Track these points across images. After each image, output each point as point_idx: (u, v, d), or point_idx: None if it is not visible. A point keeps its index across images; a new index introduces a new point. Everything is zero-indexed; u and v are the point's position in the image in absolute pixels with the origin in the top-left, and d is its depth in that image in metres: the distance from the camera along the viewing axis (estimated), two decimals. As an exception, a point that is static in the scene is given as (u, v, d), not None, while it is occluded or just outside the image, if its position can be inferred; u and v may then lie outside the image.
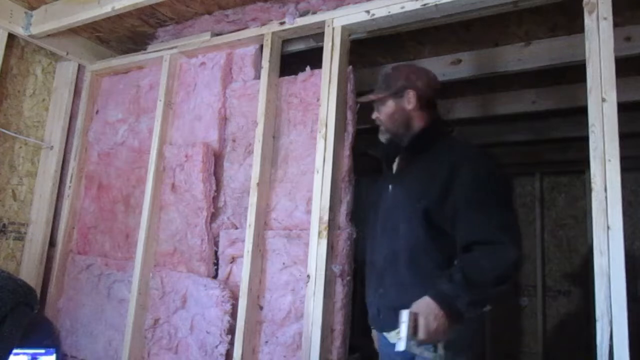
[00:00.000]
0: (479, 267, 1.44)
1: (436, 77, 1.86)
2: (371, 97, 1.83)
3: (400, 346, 1.35)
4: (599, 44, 1.65)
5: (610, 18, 1.64)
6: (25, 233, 2.89)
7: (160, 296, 2.43)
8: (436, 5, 1.98)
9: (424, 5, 1.99)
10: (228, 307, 2.21)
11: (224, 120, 2.50)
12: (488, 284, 1.44)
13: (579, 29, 1.76)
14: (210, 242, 2.38)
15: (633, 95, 2.95)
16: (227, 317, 2.20)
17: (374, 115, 1.84)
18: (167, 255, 2.49)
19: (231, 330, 2.18)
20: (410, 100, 1.74)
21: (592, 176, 1.58)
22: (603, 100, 1.60)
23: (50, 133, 3.00)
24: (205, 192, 2.38)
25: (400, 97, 1.76)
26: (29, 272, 2.80)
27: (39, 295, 2.76)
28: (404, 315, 1.37)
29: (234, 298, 2.22)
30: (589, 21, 1.68)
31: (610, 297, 1.47)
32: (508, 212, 1.54)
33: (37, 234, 2.88)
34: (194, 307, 2.32)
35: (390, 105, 1.79)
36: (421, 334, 1.36)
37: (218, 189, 2.42)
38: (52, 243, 2.91)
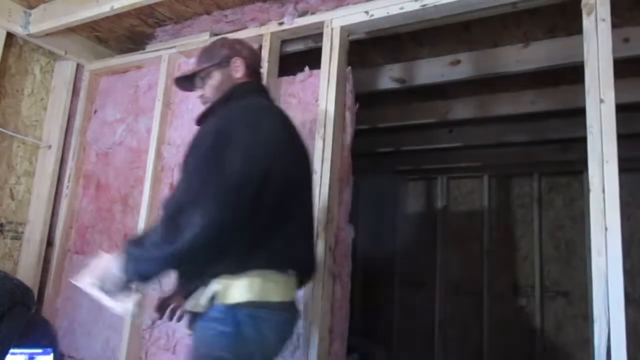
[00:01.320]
0: (153, 240, 1.26)
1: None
2: (195, 68, 1.65)
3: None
4: (597, 45, 1.65)
5: (609, 19, 1.65)
6: (22, 232, 2.89)
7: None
8: (435, 6, 1.98)
9: (423, 5, 2.00)
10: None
11: (222, 120, 2.50)
12: (157, 260, 1.26)
13: (578, 30, 1.76)
14: (209, 242, 2.38)
15: (631, 97, 2.96)
16: (225, 318, 2.20)
17: (198, 93, 1.65)
18: (165, 255, 2.48)
19: (229, 331, 2.18)
20: (237, 69, 1.60)
21: (590, 177, 1.58)
22: (601, 101, 1.60)
23: (49, 132, 2.99)
24: (203, 192, 2.37)
25: (227, 66, 1.61)
26: (26, 272, 2.80)
27: (36, 295, 2.76)
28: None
29: (232, 298, 2.21)
30: (587, 22, 1.69)
31: (608, 298, 1.47)
32: (216, 176, 1.26)
33: (34, 234, 2.87)
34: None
35: (216, 77, 1.61)
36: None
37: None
38: (49, 243, 2.91)
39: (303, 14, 2.30)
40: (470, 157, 4.80)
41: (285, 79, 2.39)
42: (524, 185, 4.99)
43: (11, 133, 2.82)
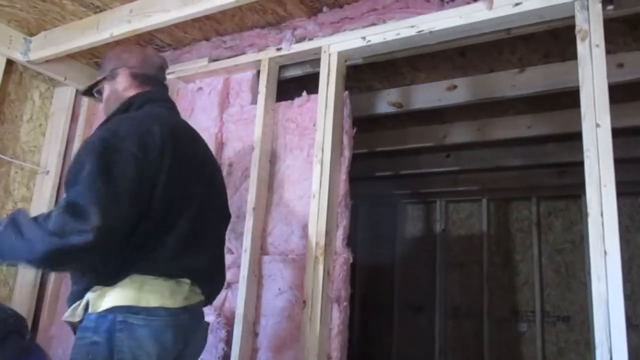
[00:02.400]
0: (20, 233, 1.24)
1: (156, 54, 1.70)
2: (89, 84, 1.63)
3: None
4: (592, 70, 1.67)
5: (603, 45, 1.67)
6: (18, 258, 2.86)
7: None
8: (430, 32, 2.01)
9: (419, 32, 2.02)
10: (223, 334, 2.17)
11: (220, 145, 2.51)
12: (12, 252, 1.27)
13: (572, 55, 1.78)
14: (206, 267, 2.36)
15: (628, 121, 2.98)
16: (222, 345, 2.17)
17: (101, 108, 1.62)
18: (161, 280, 2.46)
19: (225, 358, 2.15)
20: (121, 82, 1.56)
21: (588, 201, 1.58)
22: (597, 125, 1.61)
23: (47, 158, 2.99)
24: (201, 217, 2.36)
25: (113, 79, 1.57)
26: (21, 299, 2.76)
27: (31, 322, 2.73)
28: None
29: (229, 325, 2.18)
30: (581, 48, 1.71)
31: (609, 324, 1.45)
32: (80, 187, 1.26)
33: (30, 259, 2.84)
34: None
35: (106, 91, 1.59)
36: None
37: (214, 214, 2.41)
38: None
39: (301, 39, 2.33)
40: (468, 181, 4.81)
41: (283, 103, 2.40)
42: (522, 209, 4.99)
43: (9, 159, 2.81)
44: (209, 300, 1.59)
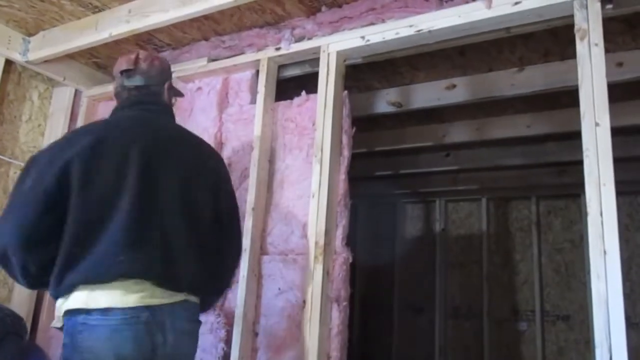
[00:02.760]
0: None
1: (126, 58, 1.73)
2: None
3: None
4: (591, 69, 1.67)
5: (602, 44, 1.67)
6: (18, 259, 2.86)
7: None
8: (430, 31, 2.00)
9: (418, 31, 2.02)
10: (222, 333, 2.17)
11: (220, 144, 2.51)
12: None
13: (572, 54, 1.78)
14: (205, 267, 2.36)
15: (627, 120, 2.98)
16: (222, 345, 2.17)
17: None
18: (161, 280, 2.46)
19: (225, 358, 2.14)
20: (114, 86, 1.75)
21: (587, 200, 1.58)
22: (596, 124, 1.61)
23: (46, 158, 2.99)
24: (200, 217, 2.36)
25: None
26: (21, 299, 2.76)
27: (30, 322, 2.73)
28: None
29: (229, 324, 2.18)
30: (580, 47, 1.71)
31: (608, 323, 1.45)
32: (14, 193, 1.46)
33: (30, 260, 2.84)
34: (188, 333, 2.28)
35: None
36: None
37: (213, 214, 2.40)
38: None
39: (300, 39, 2.33)
40: (467, 180, 4.81)
41: (282, 103, 2.40)
42: (522, 209, 4.99)
43: (8, 159, 2.81)
44: (203, 305, 1.63)
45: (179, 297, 1.49)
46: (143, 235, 1.44)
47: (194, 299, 1.55)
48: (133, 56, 1.71)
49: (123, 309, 1.37)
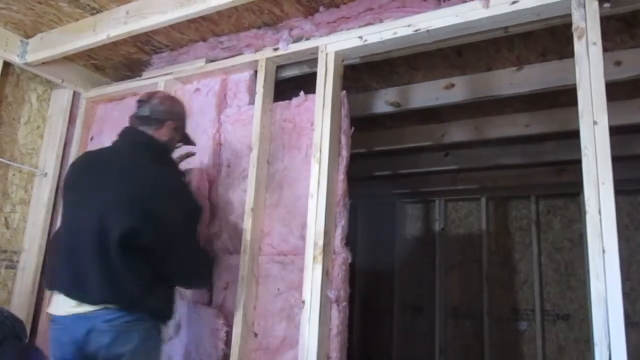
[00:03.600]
0: None
1: (146, 92, 2.12)
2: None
3: None
4: (589, 68, 1.66)
5: (600, 43, 1.67)
6: (17, 262, 2.86)
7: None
8: (427, 31, 2.00)
9: (416, 31, 2.02)
10: (222, 335, 2.17)
11: (218, 146, 2.50)
12: None
13: (570, 53, 1.78)
14: (205, 268, 2.36)
15: (625, 119, 2.98)
16: (222, 345, 2.17)
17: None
18: (160, 282, 2.46)
19: (225, 358, 2.14)
20: None
21: (586, 199, 1.58)
22: (595, 123, 1.61)
23: (45, 160, 2.99)
24: (199, 218, 2.36)
25: None
26: (20, 302, 2.76)
27: (30, 324, 2.72)
28: None
29: (228, 325, 2.18)
30: (578, 46, 1.71)
31: (608, 322, 1.45)
32: None
33: (29, 263, 2.84)
34: (188, 335, 2.28)
35: None
36: None
37: (213, 215, 2.40)
38: (44, 271, 2.87)
39: (298, 39, 2.33)
40: (467, 179, 4.81)
41: (280, 103, 2.40)
42: (521, 208, 5.00)
43: (7, 161, 2.81)
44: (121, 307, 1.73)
45: (82, 307, 1.70)
46: (66, 251, 1.76)
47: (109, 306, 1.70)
48: (152, 92, 2.05)
49: (53, 316, 1.78)
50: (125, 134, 1.94)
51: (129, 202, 1.71)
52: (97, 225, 1.68)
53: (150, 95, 1.97)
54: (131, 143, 1.91)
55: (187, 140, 2.12)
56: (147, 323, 1.75)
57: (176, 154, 2.18)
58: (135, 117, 1.93)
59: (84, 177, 1.84)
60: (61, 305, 1.72)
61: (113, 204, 1.71)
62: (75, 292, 1.70)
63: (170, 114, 1.95)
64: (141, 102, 1.94)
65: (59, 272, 1.76)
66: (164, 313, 1.85)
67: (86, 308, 1.68)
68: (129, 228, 1.66)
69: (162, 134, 1.93)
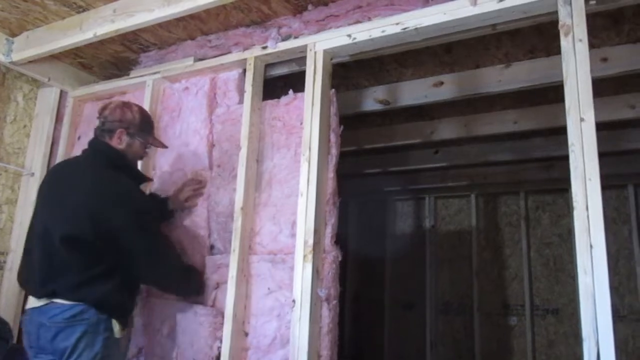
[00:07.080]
0: None
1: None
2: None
3: None
4: (575, 65, 1.68)
5: (586, 40, 1.68)
6: (4, 262, 2.83)
7: (146, 324, 2.38)
8: (416, 29, 2.00)
9: (404, 29, 2.02)
10: (219, 334, 2.16)
11: (211, 146, 2.49)
12: None
13: (557, 50, 1.79)
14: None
15: (612, 115, 3.00)
16: (218, 344, 2.16)
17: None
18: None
19: (217, 358, 2.14)
20: None
21: (573, 195, 1.59)
22: (581, 120, 1.62)
23: (32, 159, 2.96)
24: (189, 217, 2.35)
25: None
26: (8, 302, 2.73)
27: (18, 325, 2.70)
28: None
29: (221, 324, 2.17)
30: (565, 43, 1.72)
31: (596, 317, 1.47)
32: None
33: (17, 263, 2.79)
34: (181, 334, 2.27)
35: None
36: None
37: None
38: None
39: (286, 38, 2.32)
40: (456, 176, 4.83)
41: (269, 102, 2.39)
42: (510, 204, 5.03)
43: (-7, 161, 2.78)
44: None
45: (40, 302, 1.88)
46: (35, 250, 1.95)
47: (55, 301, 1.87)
48: (107, 103, 2.16)
49: (25, 310, 1.98)
50: (90, 143, 2.12)
51: (72, 210, 1.88)
52: (45, 229, 1.91)
53: (104, 107, 2.12)
54: (93, 152, 2.09)
55: (155, 143, 2.25)
56: (92, 318, 1.85)
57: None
58: (96, 128, 2.12)
59: (47, 187, 2.07)
60: (30, 299, 1.95)
61: (57, 211, 1.93)
62: (32, 287, 1.94)
63: (120, 122, 2.08)
64: (98, 114, 2.12)
65: (23, 270, 2.07)
66: (112, 307, 1.92)
67: (39, 302, 1.87)
68: (67, 233, 1.85)
69: (116, 142, 2.08)
